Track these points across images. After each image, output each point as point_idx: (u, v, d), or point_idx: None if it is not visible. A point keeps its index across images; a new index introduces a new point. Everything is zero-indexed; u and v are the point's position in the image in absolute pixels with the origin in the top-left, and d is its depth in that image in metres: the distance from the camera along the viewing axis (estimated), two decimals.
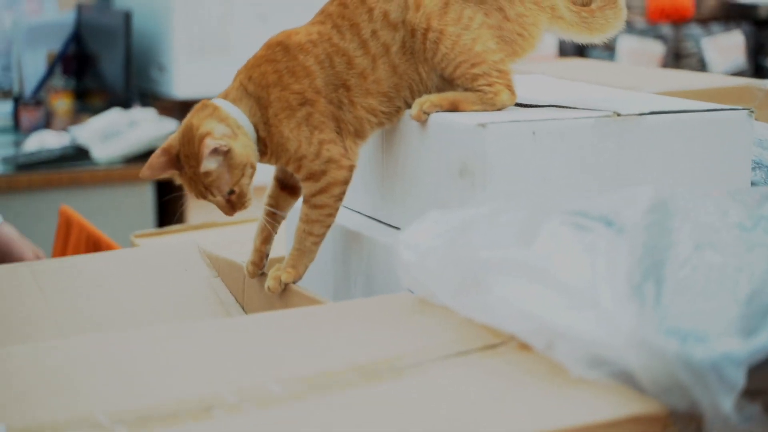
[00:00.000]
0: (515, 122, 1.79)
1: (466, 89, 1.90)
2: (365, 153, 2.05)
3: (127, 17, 5.01)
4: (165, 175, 1.89)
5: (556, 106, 1.94)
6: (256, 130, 1.91)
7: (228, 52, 5.09)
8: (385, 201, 2.03)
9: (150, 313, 1.97)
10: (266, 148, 1.93)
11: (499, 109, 1.89)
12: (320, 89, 1.90)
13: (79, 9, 5.50)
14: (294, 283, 1.94)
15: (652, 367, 1.29)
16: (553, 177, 1.81)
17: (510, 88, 1.90)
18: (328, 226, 1.94)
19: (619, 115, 1.84)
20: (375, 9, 1.91)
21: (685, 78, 2.83)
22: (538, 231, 1.52)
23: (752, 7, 6.22)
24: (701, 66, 5.94)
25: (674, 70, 3.08)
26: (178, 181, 1.90)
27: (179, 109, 5.06)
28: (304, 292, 1.92)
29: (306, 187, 1.93)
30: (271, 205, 2.00)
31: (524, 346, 1.46)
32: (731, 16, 6.24)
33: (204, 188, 1.87)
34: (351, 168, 1.92)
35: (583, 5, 1.98)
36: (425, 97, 1.90)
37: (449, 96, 1.89)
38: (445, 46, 1.88)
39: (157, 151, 1.88)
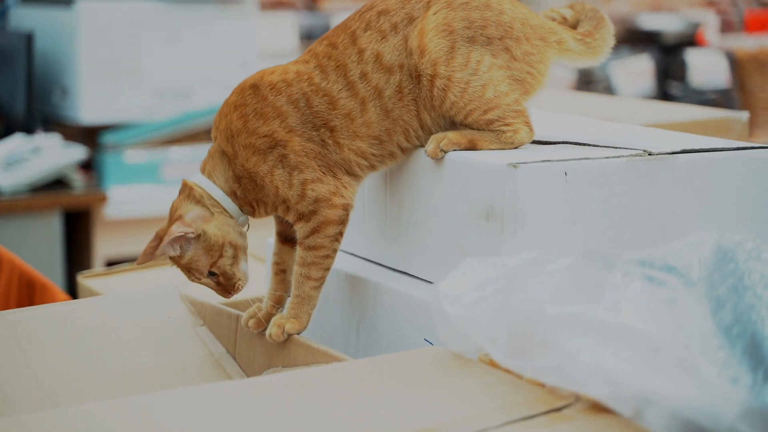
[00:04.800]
0: (547, 162, 1.69)
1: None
2: (365, 192, 1.93)
3: (29, 39, 4.78)
4: (159, 259, 1.82)
5: (572, 143, 1.84)
6: (235, 193, 1.81)
7: (136, 75, 4.90)
8: (389, 244, 1.91)
9: (137, 366, 1.82)
10: (251, 207, 1.83)
11: (516, 147, 1.79)
12: (294, 128, 1.79)
13: None
14: (298, 334, 1.81)
15: None
16: (584, 219, 1.72)
17: (528, 125, 1.81)
18: (327, 269, 1.82)
19: (650, 154, 1.75)
20: (366, 50, 1.80)
21: (663, 110, 2.77)
22: (600, 283, 1.41)
23: (658, 33, 6.26)
24: (609, 91, 5.94)
25: (657, 102, 3.02)
26: (172, 264, 1.83)
27: (85, 134, 4.86)
28: (308, 342, 1.79)
29: (299, 229, 1.81)
30: (277, 263, 1.89)
31: (591, 409, 1.36)
32: (639, 40, 6.27)
33: (187, 271, 1.81)
34: (346, 207, 1.80)
35: (564, 21, 1.91)
36: (442, 134, 1.79)
37: (467, 134, 1.79)
38: (454, 94, 1.77)
39: (153, 237, 1.81)
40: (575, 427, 1.33)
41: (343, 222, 1.80)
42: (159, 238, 1.79)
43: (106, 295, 2.21)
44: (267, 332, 1.81)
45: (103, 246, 4.71)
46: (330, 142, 1.79)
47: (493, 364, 1.48)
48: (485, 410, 1.37)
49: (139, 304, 1.95)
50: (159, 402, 1.41)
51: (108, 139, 4.79)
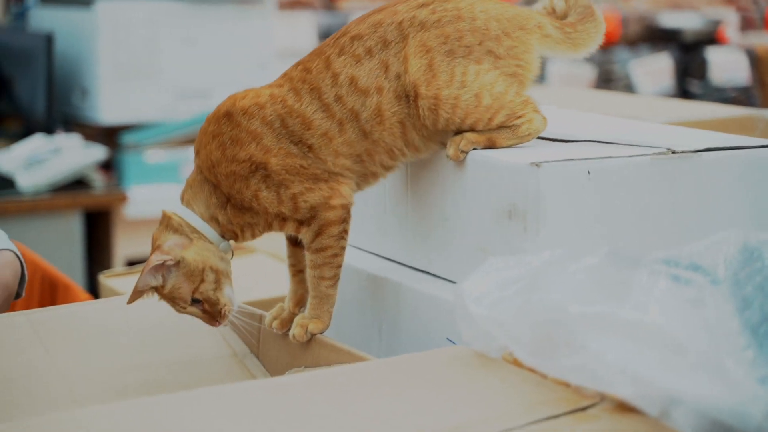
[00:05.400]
0: (569, 161, 1.68)
1: None
2: (387, 192, 1.93)
3: (49, 40, 4.80)
4: (148, 295, 1.81)
5: (595, 142, 1.83)
6: (217, 220, 1.80)
7: (155, 75, 4.92)
8: (411, 243, 1.90)
9: (161, 366, 1.82)
10: (234, 233, 1.82)
11: (533, 137, 1.79)
12: (271, 147, 1.77)
13: None
14: (321, 333, 1.80)
15: None
16: (608, 218, 1.71)
17: (538, 111, 1.80)
18: (338, 267, 1.82)
19: (674, 152, 1.74)
20: (341, 74, 1.79)
21: (685, 108, 2.75)
22: (625, 282, 1.40)
23: (678, 31, 6.23)
24: (629, 89, 5.93)
25: (678, 100, 3.01)
26: (159, 299, 1.82)
27: (104, 134, 4.87)
28: (332, 342, 1.79)
29: (302, 236, 1.81)
30: (293, 265, 1.89)
31: (617, 408, 1.35)
32: (658, 38, 6.25)
33: (172, 301, 1.80)
34: (344, 206, 1.79)
35: (553, 12, 1.88)
36: (459, 136, 1.78)
37: (485, 132, 1.78)
38: (446, 111, 1.76)
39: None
40: (600, 427, 1.32)
41: (344, 220, 1.80)
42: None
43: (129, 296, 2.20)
44: (290, 333, 1.81)
45: (123, 246, 4.73)
46: (311, 156, 1.79)
47: (516, 363, 1.47)
48: (509, 410, 1.36)
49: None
50: (179, 402, 1.40)
51: (128, 139, 4.81)
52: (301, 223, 1.79)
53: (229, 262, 1.83)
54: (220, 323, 1.79)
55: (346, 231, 1.81)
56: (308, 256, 1.81)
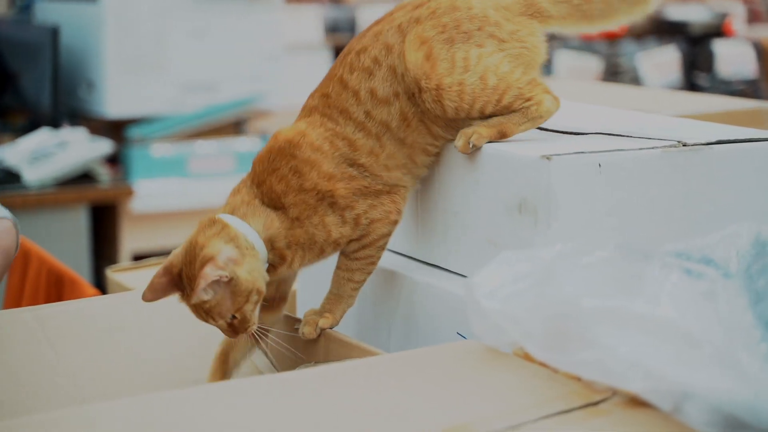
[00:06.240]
0: (580, 154, 1.67)
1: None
2: None
3: (55, 33, 4.79)
4: (168, 296, 1.71)
5: (605, 134, 1.82)
6: (272, 243, 1.74)
7: (162, 68, 4.91)
8: (421, 237, 1.90)
9: (168, 362, 1.81)
10: (283, 260, 1.76)
11: (546, 119, 1.75)
12: (332, 173, 1.75)
13: None
14: (330, 328, 1.80)
15: None
16: (619, 210, 1.70)
17: (549, 92, 1.74)
18: (369, 273, 1.83)
19: (685, 145, 1.73)
20: (360, 90, 1.75)
21: (693, 101, 2.74)
22: (637, 276, 1.40)
23: (685, 24, 6.22)
24: (636, 82, 5.92)
25: (686, 93, 3.00)
26: (180, 302, 1.71)
27: (111, 128, 4.87)
28: (342, 337, 1.78)
29: (348, 246, 1.80)
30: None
31: (629, 403, 1.34)
32: (664, 31, 6.24)
33: (204, 313, 1.69)
34: (396, 222, 1.80)
35: None
36: (471, 129, 1.75)
37: (494, 123, 1.74)
38: (451, 99, 1.72)
39: (159, 270, 1.70)
40: (612, 422, 1.31)
41: (391, 234, 1.80)
42: (168, 273, 1.69)
43: (137, 291, 2.19)
44: (300, 330, 1.80)
45: (130, 240, 4.72)
46: (367, 174, 1.77)
47: (528, 357, 1.46)
48: (520, 405, 1.36)
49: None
50: (187, 398, 1.39)
51: (134, 132, 4.80)
52: (351, 239, 1.79)
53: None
54: (239, 336, 1.73)
55: (387, 243, 1.81)
56: (343, 260, 1.81)
